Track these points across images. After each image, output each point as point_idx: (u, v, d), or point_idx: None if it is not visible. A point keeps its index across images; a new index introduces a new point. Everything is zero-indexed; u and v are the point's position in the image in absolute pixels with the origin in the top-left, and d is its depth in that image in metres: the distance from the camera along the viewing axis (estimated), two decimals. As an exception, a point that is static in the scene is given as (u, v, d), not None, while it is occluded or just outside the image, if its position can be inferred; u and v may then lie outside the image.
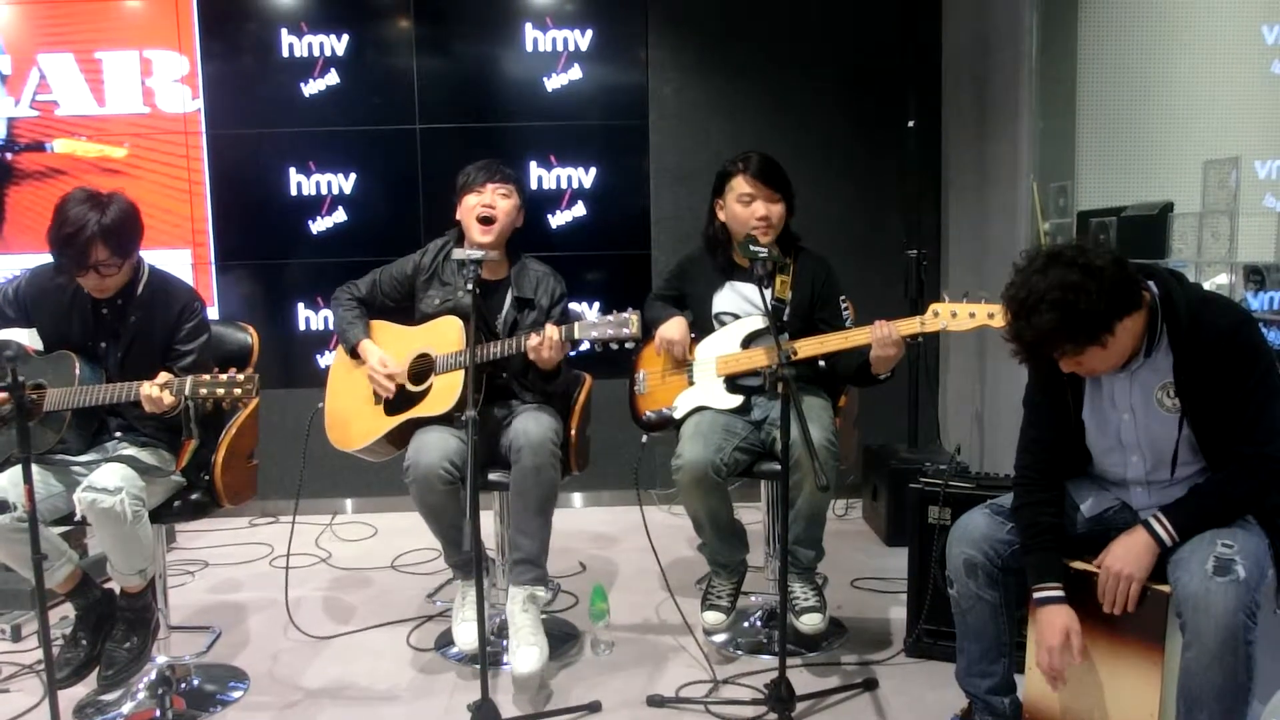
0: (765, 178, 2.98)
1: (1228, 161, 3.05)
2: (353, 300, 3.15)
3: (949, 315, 2.68)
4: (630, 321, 2.77)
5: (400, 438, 3.02)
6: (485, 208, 2.99)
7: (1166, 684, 2.08)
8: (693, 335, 3.09)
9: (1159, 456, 2.20)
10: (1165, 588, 2.08)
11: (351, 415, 3.09)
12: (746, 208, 2.99)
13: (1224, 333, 2.07)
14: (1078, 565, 2.23)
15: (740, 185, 2.99)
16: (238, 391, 2.51)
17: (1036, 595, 2.21)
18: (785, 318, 2.99)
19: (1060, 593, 2.19)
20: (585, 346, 2.88)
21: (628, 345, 2.86)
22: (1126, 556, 2.11)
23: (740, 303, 3.06)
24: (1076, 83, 3.67)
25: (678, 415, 3.03)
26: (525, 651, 2.79)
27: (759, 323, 2.99)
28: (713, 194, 3.10)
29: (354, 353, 3.11)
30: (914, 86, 4.35)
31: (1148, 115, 3.65)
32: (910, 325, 2.73)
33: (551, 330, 2.81)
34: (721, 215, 3.08)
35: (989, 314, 2.64)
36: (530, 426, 2.88)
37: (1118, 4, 3.67)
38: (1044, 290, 1.99)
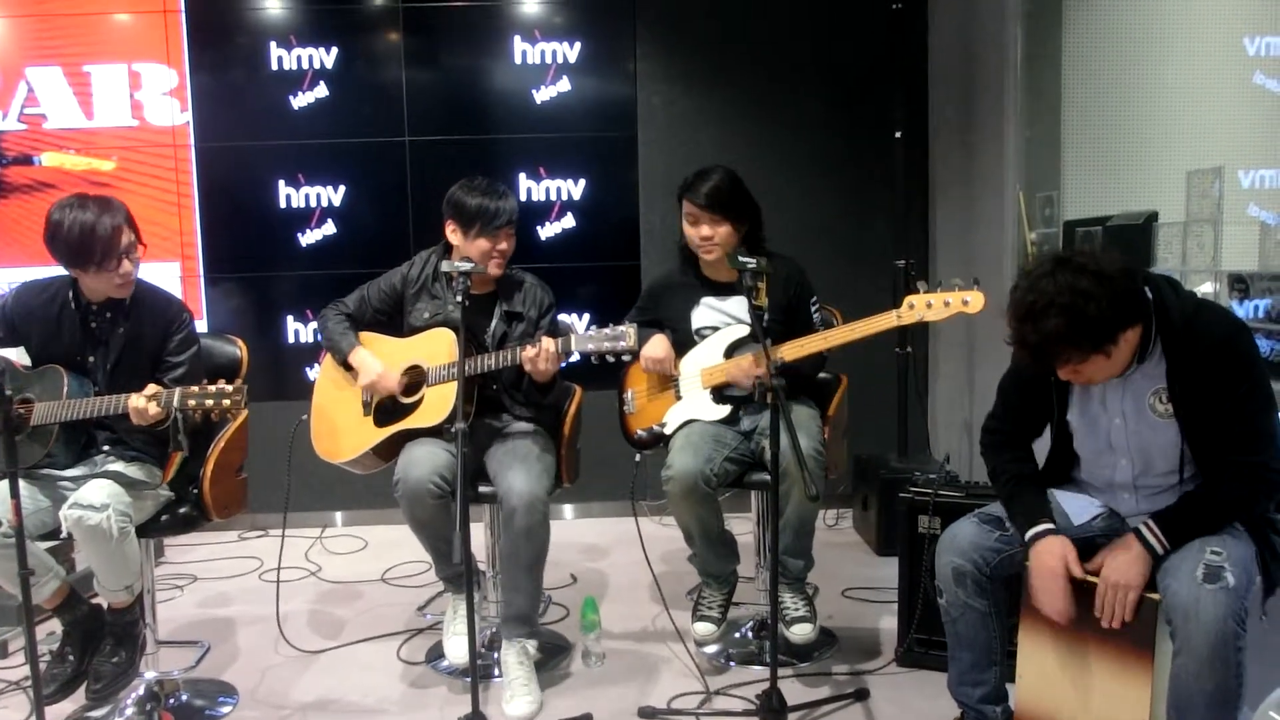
0: (705, 203, 2.95)
1: (1210, 171, 3.08)
2: (340, 316, 3.13)
3: (924, 306, 2.69)
4: (627, 334, 2.76)
5: (389, 450, 3.01)
6: (500, 254, 2.97)
7: (1157, 691, 2.09)
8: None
9: (1148, 461, 2.21)
10: (1155, 595, 2.08)
11: (340, 427, 3.08)
12: (693, 228, 3.00)
13: (1218, 341, 2.07)
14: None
15: (687, 205, 3.00)
16: (226, 403, 2.50)
17: (1030, 534, 2.21)
18: (765, 324, 3.00)
19: (1052, 526, 2.20)
20: (576, 358, 2.88)
21: (624, 358, 2.86)
22: (1123, 568, 2.10)
23: (718, 317, 3.07)
24: (1061, 93, 3.70)
25: (669, 431, 3.02)
26: (518, 703, 2.80)
27: (740, 331, 3.00)
28: (676, 200, 3.07)
29: (346, 365, 3.08)
30: (900, 98, 4.38)
31: (1132, 125, 3.68)
32: (887, 320, 2.74)
33: (548, 343, 2.81)
34: None
35: (963, 300, 2.66)
36: (520, 483, 2.82)
37: (1101, 15, 3.71)
38: (1053, 294, 1.98)
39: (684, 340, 3.09)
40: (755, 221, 3.06)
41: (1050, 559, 2.16)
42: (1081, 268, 2.00)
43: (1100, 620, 2.13)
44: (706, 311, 3.08)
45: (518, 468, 2.87)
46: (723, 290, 3.05)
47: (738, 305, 3.01)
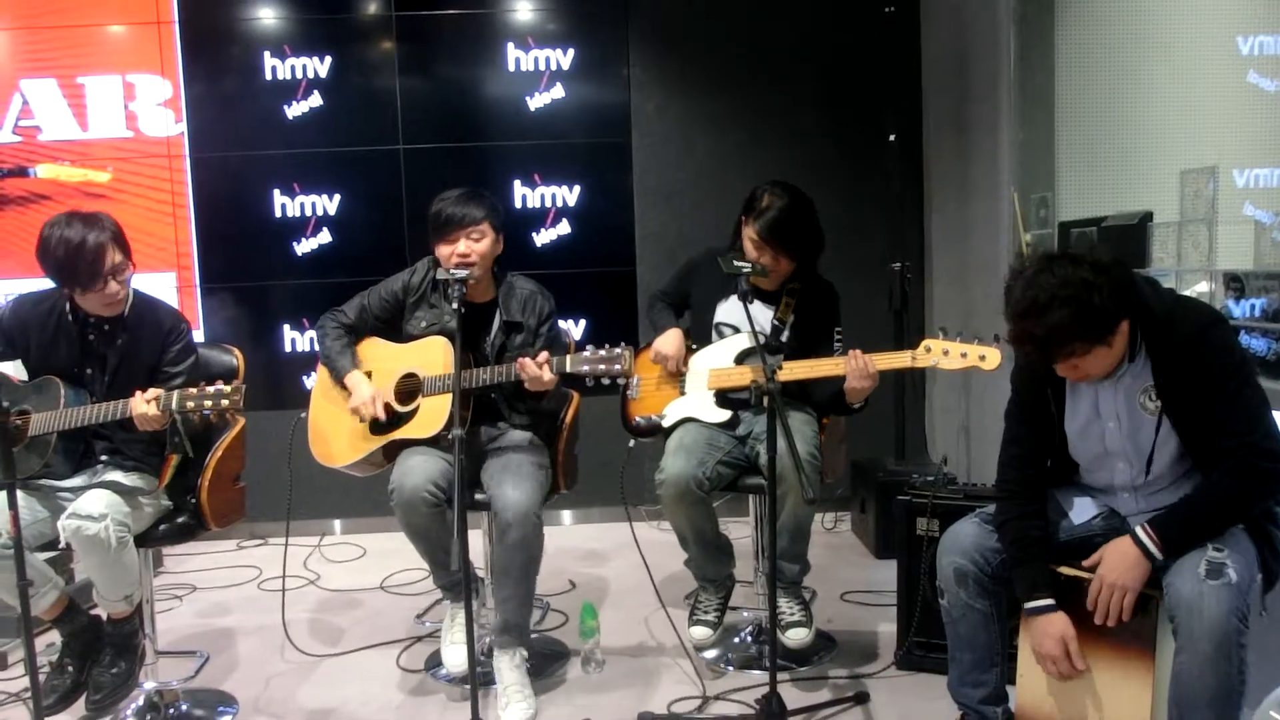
0: (769, 237, 2.91)
1: (1203, 171, 3.09)
2: (339, 328, 3.10)
3: (940, 353, 2.69)
4: (623, 358, 2.74)
5: (388, 452, 3.00)
6: (460, 257, 2.91)
7: (1158, 689, 2.09)
8: (692, 346, 3.09)
9: (1145, 461, 2.21)
10: (1156, 593, 2.08)
11: (336, 432, 3.07)
12: (755, 249, 2.95)
13: (1196, 331, 2.09)
14: (1068, 571, 2.23)
15: (750, 232, 2.94)
16: (225, 403, 2.50)
17: (1028, 607, 2.21)
18: (784, 338, 2.99)
19: (1051, 601, 2.19)
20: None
21: (619, 381, 2.84)
22: (1119, 568, 2.11)
23: (743, 317, 3.05)
24: (1055, 95, 3.71)
25: (666, 423, 3.03)
26: (515, 708, 2.80)
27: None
28: (742, 210, 3.01)
29: (342, 384, 3.05)
30: (894, 101, 4.39)
31: (1126, 125, 3.68)
32: (901, 359, 2.74)
33: (549, 376, 2.79)
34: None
35: (980, 355, 2.65)
36: (513, 496, 2.81)
37: (1094, 16, 3.72)
38: (1055, 288, 1.99)
39: (703, 329, 3.09)
40: (816, 251, 3.02)
41: (1049, 643, 2.17)
42: (1078, 259, 2.02)
43: (1095, 617, 2.13)
44: (734, 307, 3.03)
45: (510, 480, 2.86)
46: (757, 295, 3.01)
47: (762, 312, 3.00)
